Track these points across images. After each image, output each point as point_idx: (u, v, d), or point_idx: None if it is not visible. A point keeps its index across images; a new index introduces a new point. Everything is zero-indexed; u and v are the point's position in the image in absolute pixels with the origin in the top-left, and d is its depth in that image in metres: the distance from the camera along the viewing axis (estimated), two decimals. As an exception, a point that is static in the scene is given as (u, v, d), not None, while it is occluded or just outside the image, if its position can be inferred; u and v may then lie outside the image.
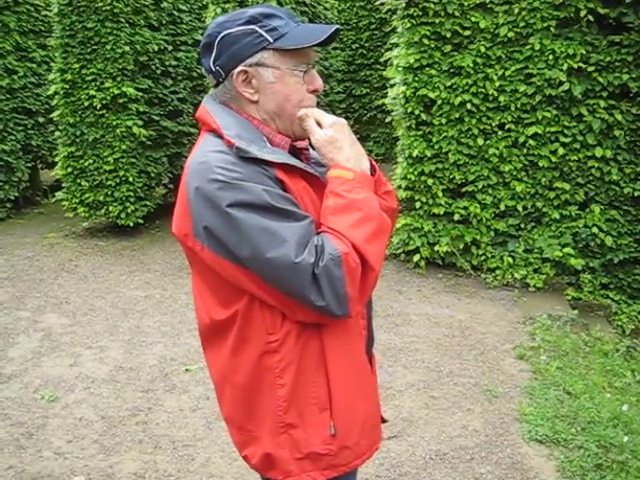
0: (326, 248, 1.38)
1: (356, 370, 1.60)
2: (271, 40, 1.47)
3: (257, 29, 1.48)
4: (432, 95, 5.73)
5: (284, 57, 1.49)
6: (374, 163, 1.64)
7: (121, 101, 7.08)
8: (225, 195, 1.37)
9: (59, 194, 7.64)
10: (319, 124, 1.53)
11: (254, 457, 1.60)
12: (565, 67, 5.29)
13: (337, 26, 1.50)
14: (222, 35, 1.49)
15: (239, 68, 1.49)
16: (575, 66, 5.28)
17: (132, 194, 7.31)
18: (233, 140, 1.43)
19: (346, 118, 1.58)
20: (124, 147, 7.14)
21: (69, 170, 7.37)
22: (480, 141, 5.72)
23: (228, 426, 1.69)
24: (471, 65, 5.60)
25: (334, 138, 1.50)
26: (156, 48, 7.59)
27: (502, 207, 5.80)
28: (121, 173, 7.21)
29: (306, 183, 1.51)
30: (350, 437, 1.58)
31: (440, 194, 5.93)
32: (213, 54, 1.51)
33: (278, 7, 1.55)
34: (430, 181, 5.92)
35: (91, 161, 7.26)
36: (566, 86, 5.33)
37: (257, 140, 1.48)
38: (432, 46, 5.70)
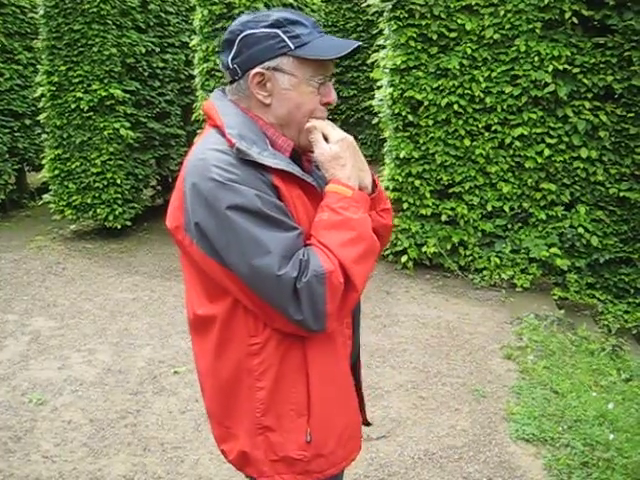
0: (311, 264, 1.38)
1: (338, 380, 1.61)
2: (292, 47, 1.47)
3: (280, 34, 1.47)
4: (419, 97, 5.75)
5: (302, 66, 1.49)
6: (376, 179, 1.65)
7: (108, 103, 7.07)
8: (219, 195, 1.37)
9: (46, 197, 7.61)
10: (326, 138, 1.52)
11: (231, 453, 1.62)
12: (550, 69, 5.33)
13: (359, 43, 1.51)
14: (244, 34, 1.48)
15: (256, 69, 1.48)
16: (560, 68, 5.33)
17: (120, 196, 7.30)
18: (234, 140, 1.42)
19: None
20: (111, 149, 7.13)
21: (56, 173, 7.35)
22: (467, 142, 5.76)
23: (209, 418, 1.70)
24: (457, 67, 5.63)
25: (338, 155, 1.51)
26: (143, 50, 7.57)
27: (489, 208, 5.84)
28: (109, 175, 7.20)
29: (301, 191, 1.50)
30: (326, 446, 1.59)
31: (427, 195, 5.96)
32: (233, 51, 1.51)
33: (304, 15, 1.54)
34: (417, 182, 5.95)
35: (78, 163, 7.24)
36: (551, 87, 5.38)
37: (259, 142, 1.47)
38: (419, 48, 5.72)
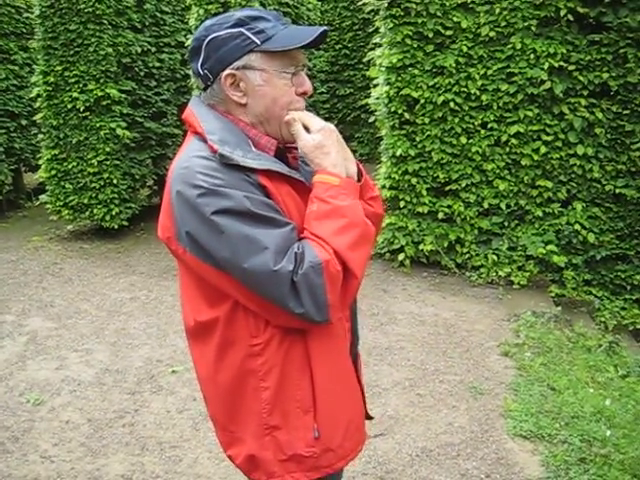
0: (306, 256, 1.38)
1: (340, 373, 1.61)
2: (258, 42, 1.47)
3: (244, 32, 1.47)
4: (415, 94, 5.76)
5: (272, 59, 1.49)
6: (361, 167, 1.64)
7: (104, 103, 7.06)
8: (206, 202, 1.37)
9: (43, 197, 7.60)
10: (307, 128, 1.52)
11: (238, 457, 1.61)
12: (546, 66, 5.33)
13: (324, 28, 1.49)
14: (210, 38, 1.49)
15: (227, 71, 1.49)
16: (556, 65, 5.33)
17: (116, 196, 7.29)
18: (216, 146, 1.42)
19: (330, 118, 1.57)
20: (108, 149, 7.12)
21: (53, 173, 7.34)
22: (463, 140, 5.76)
23: (213, 425, 1.70)
24: (453, 65, 5.63)
25: (321, 143, 1.50)
26: (139, 50, 7.58)
27: (486, 205, 5.84)
28: (105, 175, 7.19)
29: (290, 187, 1.50)
30: (334, 440, 1.59)
31: (424, 193, 5.96)
32: (201, 57, 1.51)
33: (265, 10, 1.54)
34: (414, 180, 5.95)
35: (75, 164, 7.24)
36: (547, 85, 5.38)
37: (242, 144, 1.47)
38: (414, 46, 5.72)
